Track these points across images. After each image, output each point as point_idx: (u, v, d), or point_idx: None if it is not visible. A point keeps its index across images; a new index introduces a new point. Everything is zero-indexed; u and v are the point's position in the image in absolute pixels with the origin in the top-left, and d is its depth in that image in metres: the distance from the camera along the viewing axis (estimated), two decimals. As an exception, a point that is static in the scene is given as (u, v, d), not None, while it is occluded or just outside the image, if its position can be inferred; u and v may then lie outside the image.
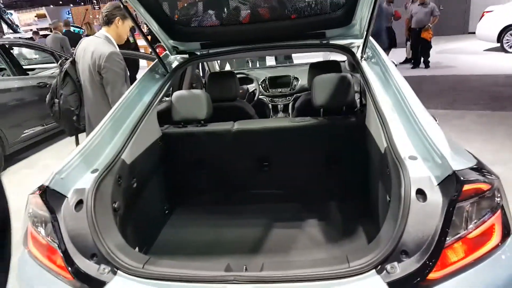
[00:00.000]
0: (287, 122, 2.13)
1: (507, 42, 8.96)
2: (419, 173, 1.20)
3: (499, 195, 1.15)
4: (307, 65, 3.72)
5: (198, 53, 2.40)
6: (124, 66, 2.57)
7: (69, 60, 2.75)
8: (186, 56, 2.40)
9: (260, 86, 3.73)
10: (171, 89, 2.87)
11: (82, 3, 28.51)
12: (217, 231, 1.99)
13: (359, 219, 1.91)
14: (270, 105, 3.70)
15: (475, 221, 1.12)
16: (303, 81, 3.67)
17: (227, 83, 2.61)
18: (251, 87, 3.67)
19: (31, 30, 16.73)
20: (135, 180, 1.77)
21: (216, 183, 2.34)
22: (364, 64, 1.97)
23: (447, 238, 1.08)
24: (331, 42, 2.20)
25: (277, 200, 2.20)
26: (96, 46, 2.55)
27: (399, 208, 1.16)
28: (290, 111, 3.59)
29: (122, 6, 2.50)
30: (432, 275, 1.06)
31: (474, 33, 10.16)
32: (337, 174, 2.14)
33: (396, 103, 1.59)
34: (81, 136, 2.80)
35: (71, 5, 28.35)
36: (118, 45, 2.66)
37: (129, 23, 2.68)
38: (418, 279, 1.05)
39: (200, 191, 2.36)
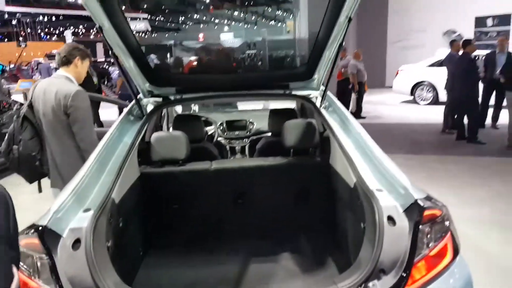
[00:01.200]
0: (262, 161, 2.34)
1: (418, 96, 10.62)
2: (387, 202, 1.44)
3: (448, 219, 1.43)
4: (260, 111, 4.05)
5: (172, 98, 2.55)
6: (89, 103, 2.57)
7: (25, 104, 2.67)
8: (159, 99, 2.54)
9: (218, 129, 3.93)
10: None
11: (6, 39, 26.80)
12: (195, 270, 2.02)
13: (329, 248, 2.12)
14: (227, 147, 3.89)
15: (433, 241, 1.36)
16: (257, 125, 3.96)
17: (195, 125, 2.79)
18: (209, 129, 3.87)
19: None
20: (121, 219, 1.79)
21: (192, 222, 2.40)
22: (323, 112, 2.30)
23: (415, 257, 1.32)
24: (294, 93, 2.52)
25: (253, 236, 2.32)
26: (58, 86, 2.53)
27: (374, 232, 1.37)
28: (247, 152, 3.81)
29: (79, 48, 2.66)
30: None
31: (390, 87, 11.74)
32: (307, 208, 2.36)
33: (356, 144, 1.89)
34: (44, 181, 2.71)
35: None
36: (81, 86, 2.67)
37: (87, 62, 2.72)
38: None
39: (176, 230, 2.40)
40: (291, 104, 3.71)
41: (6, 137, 2.57)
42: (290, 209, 2.39)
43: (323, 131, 2.47)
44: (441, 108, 7.57)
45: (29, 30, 26.05)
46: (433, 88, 10.21)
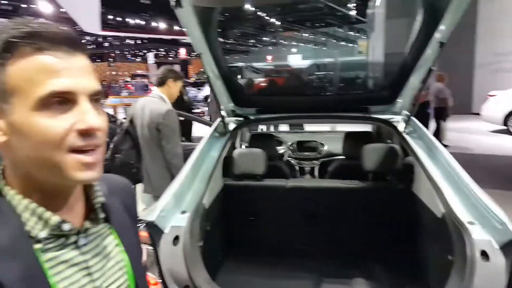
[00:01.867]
0: (339, 183, 2.36)
1: (513, 125, 9.19)
2: (480, 236, 1.36)
3: None
4: (331, 133, 4.05)
5: (252, 117, 2.70)
6: (178, 120, 2.86)
7: (128, 119, 3.06)
8: (240, 119, 2.70)
9: (289, 148, 4.02)
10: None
11: (98, 60, 30.22)
12: (266, 282, 2.12)
13: (404, 278, 2.04)
14: (297, 167, 3.95)
15: None
16: (328, 147, 3.96)
17: (269, 144, 2.91)
18: (280, 148, 3.97)
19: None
20: (209, 224, 1.96)
21: (266, 235, 2.50)
22: (407, 137, 2.25)
23: None
24: (374, 116, 2.51)
25: (324, 256, 2.33)
26: (153, 105, 2.86)
27: (465, 267, 1.30)
28: (316, 174, 3.82)
29: (173, 70, 2.99)
30: None
31: (478, 113, 10.49)
32: (383, 234, 2.32)
33: (445, 173, 1.81)
34: (138, 186, 3.03)
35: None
36: (174, 104, 2.99)
37: (180, 83, 3.04)
38: None
39: (251, 241, 2.51)
40: (365, 128, 3.67)
41: (112, 146, 2.95)
42: (364, 233, 2.36)
43: (404, 157, 2.41)
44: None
45: (117, 52, 29.00)
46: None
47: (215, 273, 2.16)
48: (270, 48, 34.21)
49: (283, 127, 5.29)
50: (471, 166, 6.62)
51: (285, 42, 30.91)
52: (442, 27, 1.79)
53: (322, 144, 4.07)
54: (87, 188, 0.66)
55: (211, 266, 2.07)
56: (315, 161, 3.97)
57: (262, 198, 2.43)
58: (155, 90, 3.00)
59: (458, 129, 10.31)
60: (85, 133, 0.55)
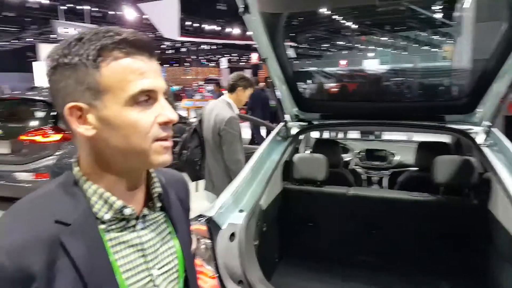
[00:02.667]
0: (405, 195, 2.23)
1: None
2: None
3: None
4: (405, 142, 3.82)
5: (316, 123, 2.66)
6: (239, 128, 2.92)
7: (197, 119, 3.23)
8: (304, 123, 2.68)
9: (356, 157, 3.88)
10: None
11: (176, 64, 32.26)
12: None
13: None
14: (364, 176, 3.80)
15: None
16: (399, 157, 3.75)
17: (333, 150, 2.84)
18: (346, 156, 3.84)
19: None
20: (265, 224, 1.98)
21: (324, 242, 2.46)
22: (486, 150, 2.04)
23: None
24: (450, 126, 2.32)
25: (382, 269, 2.23)
26: (219, 110, 2.96)
27: None
28: (384, 184, 3.65)
29: (244, 77, 3.07)
30: None
31: None
32: (450, 252, 2.14)
33: None
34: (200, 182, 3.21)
35: (166, 65, 32.12)
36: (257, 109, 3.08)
37: (249, 91, 3.11)
38: None
39: (308, 246, 2.48)
40: (443, 138, 3.41)
41: (181, 143, 3.15)
42: (430, 250, 2.21)
43: (483, 172, 2.20)
44: None
45: (193, 57, 30.65)
46: None
47: (270, 274, 2.18)
48: (344, 52, 33.51)
49: (354, 135, 5.13)
50: None
51: (359, 46, 29.99)
52: None
53: (393, 154, 3.87)
54: (148, 180, 0.74)
55: (266, 266, 2.09)
56: (384, 171, 3.79)
57: (322, 204, 2.39)
58: (224, 95, 3.13)
59: None
60: (165, 125, 0.65)
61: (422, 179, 2.37)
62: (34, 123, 4.45)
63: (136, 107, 0.63)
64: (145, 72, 0.63)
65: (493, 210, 1.88)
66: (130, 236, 0.68)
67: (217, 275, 1.49)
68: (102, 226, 0.65)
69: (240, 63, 37.31)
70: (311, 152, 3.21)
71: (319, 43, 28.83)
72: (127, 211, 0.67)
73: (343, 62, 28.47)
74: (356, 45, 29.39)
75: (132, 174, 0.68)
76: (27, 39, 23.34)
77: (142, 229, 0.70)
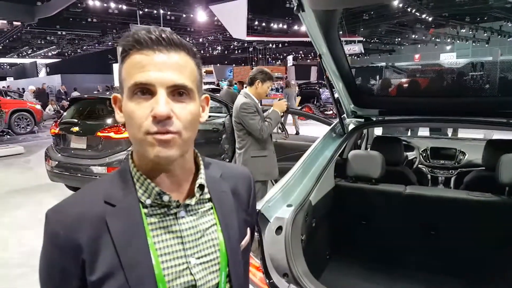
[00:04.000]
0: (465, 194, 2.12)
1: None
2: None
3: None
4: (475, 140, 3.56)
5: (374, 119, 2.63)
6: (253, 109, 3.13)
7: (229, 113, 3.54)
8: (361, 120, 2.66)
9: (421, 155, 3.71)
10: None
11: (243, 64, 33.04)
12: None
13: None
14: (429, 176, 3.62)
15: None
16: (470, 156, 3.51)
17: (394, 148, 2.76)
18: (410, 154, 3.69)
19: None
20: (315, 220, 2.02)
21: (378, 242, 2.42)
22: None
23: None
24: None
25: (440, 271, 2.15)
26: (237, 100, 3.26)
27: None
28: (452, 185, 3.45)
29: (263, 71, 3.26)
30: None
31: None
32: None
33: None
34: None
35: (234, 65, 33.03)
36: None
37: (268, 84, 3.29)
38: None
39: (360, 244, 2.47)
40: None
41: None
42: (492, 254, 2.08)
43: None
44: None
45: (260, 56, 31.08)
46: None
47: (319, 269, 2.20)
48: (408, 46, 31.51)
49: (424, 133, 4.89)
50: None
51: (424, 39, 27.92)
52: None
53: (463, 153, 3.64)
54: (198, 171, 0.77)
55: (315, 262, 2.12)
56: (452, 171, 3.58)
57: (376, 202, 2.35)
58: (245, 89, 3.33)
59: None
60: (157, 119, 0.64)
61: (489, 179, 2.22)
62: (109, 121, 4.78)
63: (135, 99, 0.66)
64: (146, 66, 0.65)
65: None
66: (169, 222, 0.71)
67: (263, 267, 1.56)
68: (145, 210, 0.69)
69: (307, 60, 36.94)
70: (370, 149, 3.16)
71: (380, 36, 27.39)
72: (165, 198, 0.70)
73: (411, 56, 26.76)
74: (426, 38, 27.43)
75: (160, 164, 0.69)
76: (109, 43, 25.45)
77: (183, 217, 0.72)
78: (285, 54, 34.07)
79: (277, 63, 37.14)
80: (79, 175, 4.72)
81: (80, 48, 27.77)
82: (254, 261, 1.61)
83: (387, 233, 2.38)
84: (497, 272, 2.07)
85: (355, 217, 2.45)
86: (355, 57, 31.80)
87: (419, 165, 3.66)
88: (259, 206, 1.74)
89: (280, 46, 29.30)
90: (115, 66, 14.99)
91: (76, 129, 4.91)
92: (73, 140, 4.94)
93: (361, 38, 23.10)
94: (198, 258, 0.72)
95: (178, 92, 0.67)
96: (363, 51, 22.53)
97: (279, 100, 3.43)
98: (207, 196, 0.77)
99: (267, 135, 3.14)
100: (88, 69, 27.54)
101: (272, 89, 19.40)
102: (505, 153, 2.09)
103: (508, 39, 25.60)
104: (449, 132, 4.86)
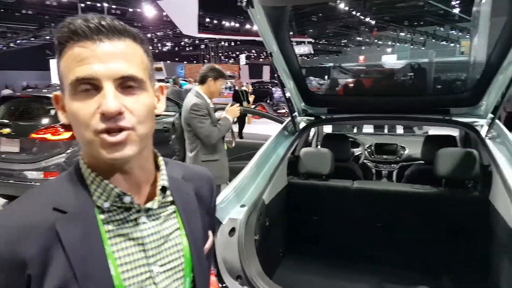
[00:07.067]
0: (408, 187, 2.26)
1: None
2: None
3: None
4: (413, 136, 3.81)
5: (323, 117, 2.70)
6: (204, 112, 3.00)
7: (178, 113, 3.39)
8: (312, 118, 2.73)
9: (366, 151, 3.89)
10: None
11: (195, 61, 32.58)
12: (328, 282, 2.12)
13: None
14: (373, 170, 3.81)
15: None
16: (409, 151, 3.75)
17: (342, 144, 2.87)
18: (356, 150, 3.86)
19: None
20: (268, 219, 2.03)
21: (330, 236, 2.50)
22: (489, 142, 2.06)
23: None
24: (454, 119, 2.33)
25: (388, 263, 2.26)
26: (187, 100, 3.09)
27: None
28: (394, 178, 3.65)
29: (215, 68, 3.11)
30: None
31: None
32: (455, 245, 2.16)
33: None
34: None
35: (185, 62, 32.46)
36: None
37: (220, 82, 3.15)
38: None
39: (313, 240, 2.53)
40: (453, 132, 3.39)
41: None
42: (434, 243, 2.23)
43: (488, 164, 2.21)
44: None
45: (212, 54, 30.82)
46: None
47: (273, 268, 2.22)
48: (354, 47, 33.06)
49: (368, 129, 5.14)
50: None
51: (369, 41, 29.51)
52: None
53: (403, 148, 3.87)
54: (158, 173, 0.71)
55: (269, 261, 2.13)
56: (394, 165, 3.79)
57: (327, 198, 2.43)
58: (196, 87, 3.17)
59: None
60: (106, 116, 0.58)
61: (428, 172, 2.39)
62: (45, 121, 4.36)
63: (78, 96, 0.60)
64: (87, 58, 0.59)
65: (494, 201, 1.90)
66: (130, 229, 0.65)
67: (216, 270, 1.54)
68: (102, 216, 0.63)
69: (260, 59, 37.27)
70: (320, 146, 3.26)
71: (328, 38, 28.46)
72: (127, 199, 0.64)
73: (356, 57, 28.12)
74: (369, 40, 28.98)
75: (116, 164, 0.64)
76: (46, 37, 23.82)
77: (144, 223, 0.67)
78: (238, 53, 34.09)
79: (230, 61, 37.05)
80: (12, 181, 4.26)
81: (14, 42, 25.62)
82: None
83: (338, 227, 2.47)
84: (439, 260, 2.22)
85: (307, 214, 2.51)
86: (306, 58, 32.65)
87: (365, 160, 3.83)
88: None
89: (233, 44, 29.27)
90: (53, 62, 13.98)
91: (7, 130, 4.37)
92: (4, 143, 4.41)
93: (311, 39, 23.77)
94: (162, 265, 0.68)
95: (127, 84, 0.61)
96: (312, 52, 23.21)
97: (231, 105, 3.28)
98: (170, 198, 0.72)
99: (215, 141, 3.02)
100: (23, 65, 25.57)
101: (225, 88, 19.30)
102: (441, 148, 2.25)
103: (441, 42, 27.79)
104: (399, 129, 5.14)
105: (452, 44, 27.19)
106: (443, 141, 2.61)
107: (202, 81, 3.13)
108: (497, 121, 2.17)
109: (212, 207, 0.85)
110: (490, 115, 2.16)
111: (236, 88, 10.54)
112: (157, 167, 0.73)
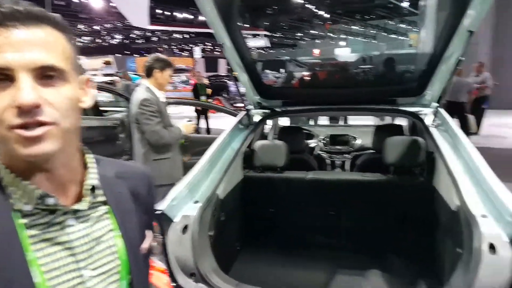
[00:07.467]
0: (359, 176, 2.32)
1: None
2: (491, 230, 1.33)
3: None
4: (365, 127, 3.94)
5: (278, 110, 2.70)
6: (154, 108, 2.80)
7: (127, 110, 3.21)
8: (267, 111, 2.72)
9: (320, 142, 3.97)
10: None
11: (146, 55, 31.54)
12: (284, 272, 2.13)
13: (422, 272, 2.00)
14: (328, 161, 3.90)
15: None
16: (361, 141, 3.87)
17: (297, 137, 2.90)
18: (311, 142, 3.93)
19: (95, 75, 18.55)
20: (223, 214, 2.00)
21: (286, 227, 2.51)
22: (433, 130, 2.16)
23: None
24: (401, 108, 2.43)
25: (343, 248, 2.32)
26: (136, 95, 2.88)
27: (470, 260, 1.29)
28: (348, 168, 3.76)
29: (160, 58, 2.91)
30: None
31: None
32: (403, 229, 2.26)
33: (465, 166, 1.74)
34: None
35: (136, 55, 31.33)
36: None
37: (168, 72, 2.94)
38: None
39: (270, 232, 2.54)
40: (403, 121, 3.54)
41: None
42: (384, 227, 2.31)
43: (432, 151, 2.32)
44: None
45: (165, 46, 30.06)
46: None
47: (230, 263, 2.20)
48: (306, 40, 33.76)
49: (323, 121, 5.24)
50: (506, 161, 6.24)
51: (320, 34, 30.29)
52: (470, 12, 1.69)
53: (355, 138, 3.99)
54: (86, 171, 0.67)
55: (226, 255, 2.11)
56: (346, 155, 3.89)
57: (282, 190, 2.44)
58: (143, 81, 2.98)
59: (504, 123, 9.76)
60: (22, 110, 0.53)
61: (378, 160, 2.47)
62: None
63: None
64: (0, 47, 0.54)
65: (437, 186, 2.00)
66: (56, 233, 0.60)
67: (168, 269, 1.49)
68: (25, 220, 0.58)
69: (215, 52, 36.88)
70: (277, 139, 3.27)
71: (283, 31, 28.81)
72: (50, 201, 0.59)
73: (311, 51, 28.73)
74: (324, 33, 29.71)
75: (36, 162, 0.59)
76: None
77: (72, 225, 0.62)
78: (192, 46, 33.47)
79: (184, 54, 36.31)
80: None
81: None
82: (158, 264, 1.52)
83: (294, 218, 2.49)
84: (388, 246, 2.30)
85: (264, 206, 2.51)
86: (262, 51, 32.79)
87: (320, 152, 3.91)
88: (162, 206, 1.65)
89: (187, 37, 28.69)
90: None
91: None
92: None
93: (267, 32, 23.87)
94: (94, 269, 0.64)
95: (47, 74, 0.56)
96: (269, 45, 23.33)
97: (188, 121, 3.10)
98: (102, 198, 0.67)
99: (161, 142, 2.80)
100: None
101: (181, 82, 18.83)
102: (389, 136, 2.33)
103: (391, 36, 29.09)
104: (356, 121, 5.30)
105: (401, 38, 28.52)
106: (391, 130, 2.71)
107: (149, 73, 2.92)
108: (441, 109, 2.28)
109: (149, 205, 0.81)
110: (435, 104, 2.27)
111: (195, 82, 10.28)
112: (86, 166, 0.68)
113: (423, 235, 2.15)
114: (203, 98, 8.85)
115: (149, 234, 0.79)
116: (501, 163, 5.84)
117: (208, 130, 8.58)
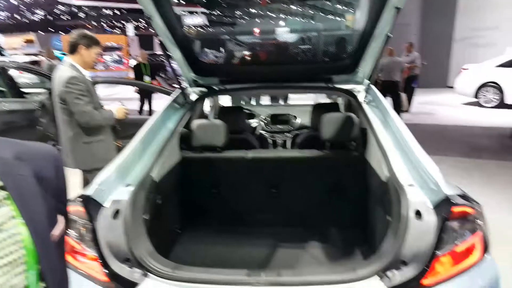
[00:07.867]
0: (297, 152, 2.36)
1: (483, 98, 9.69)
2: (417, 198, 1.44)
3: (481, 219, 1.39)
4: (304, 106, 4.02)
5: (216, 88, 2.63)
6: (83, 87, 2.62)
7: (48, 92, 2.92)
8: (204, 89, 2.63)
9: (262, 122, 3.98)
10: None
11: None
12: (227, 250, 2.13)
13: (357, 241, 2.13)
14: (269, 140, 3.93)
15: (461, 238, 1.35)
16: (300, 120, 3.94)
17: (237, 117, 2.86)
18: (252, 122, 3.92)
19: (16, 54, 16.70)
20: (160, 197, 1.92)
21: (228, 206, 2.49)
22: (365, 106, 2.25)
23: (438, 252, 1.32)
24: (337, 86, 2.49)
25: (284, 224, 2.37)
26: (60, 73, 2.66)
27: (399, 226, 1.39)
28: (289, 146, 3.82)
29: (86, 35, 2.68)
30: (425, 281, 1.29)
31: (452, 87, 10.94)
32: (340, 202, 2.35)
33: (394, 140, 1.86)
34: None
35: (62, 33, 28.78)
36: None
37: (95, 50, 2.73)
38: (413, 284, 1.28)
39: (212, 212, 2.50)
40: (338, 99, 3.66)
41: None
42: (322, 201, 2.40)
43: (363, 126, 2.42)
44: (508, 112, 6.89)
45: (94, 23, 27.91)
46: (500, 90, 9.36)
47: (170, 246, 2.16)
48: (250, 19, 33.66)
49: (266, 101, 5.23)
50: (439, 136, 6.87)
51: (265, 14, 30.39)
52: None
53: (295, 117, 4.05)
54: None
55: (165, 238, 2.06)
56: (287, 134, 3.95)
57: (223, 170, 2.41)
58: (66, 58, 2.75)
59: (432, 101, 10.60)
60: None
61: (316, 138, 2.52)
62: None
63: None
64: None
65: (369, 159, 2.10)
66: None
67: (100, 256, 1.42)
68: None
69: (151, 30, 35.04)
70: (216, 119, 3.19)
71: (221, 9, 28.32)
72: None
73: (251, 30, 28.58)
74: (262, 12, 29.72)
75: None
76: None
77: None
78: (124, 23, 31.48)
79: (116, 31, 34.07)
80: None
81: None
82: (89, 252, 1.44)
83: (236, 197, 2.48)
84: (326, 217, 2.39)
85: (204, 187, 2.46)
86: (201, 29, 31.87)
87: (261, 131, 3.92)
88: (89, 191, 1.54)
89: (119, 13, 26.87)
90: None
91: None
92: None
93: (205, 10, 23.18)
94: None
95: None
96: (207, 23, 22.71)
97: (122, 105, 2.89)
98: None
99: (92, 124, 2.64)
100: None
101: (113, 62, 17.66)
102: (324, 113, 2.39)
103: (328, 16, 29.94)
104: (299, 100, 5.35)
105: (338, 19, 29.44)
106: (327, 108, 2.77)
107: (73, 50, 2.68)
108: (372, 86, 2.37)
109: (59, 189, 0.75)
110: (367, 81, 2.35)
111: (136, 61, 9.56)
112: None
113: (357, 206, 2.25)
114: (147, 78, 8.29)
115: (61, 219, 0.74)
116: (428, 137, 6.39)
117: (150, 113, 8.17)
